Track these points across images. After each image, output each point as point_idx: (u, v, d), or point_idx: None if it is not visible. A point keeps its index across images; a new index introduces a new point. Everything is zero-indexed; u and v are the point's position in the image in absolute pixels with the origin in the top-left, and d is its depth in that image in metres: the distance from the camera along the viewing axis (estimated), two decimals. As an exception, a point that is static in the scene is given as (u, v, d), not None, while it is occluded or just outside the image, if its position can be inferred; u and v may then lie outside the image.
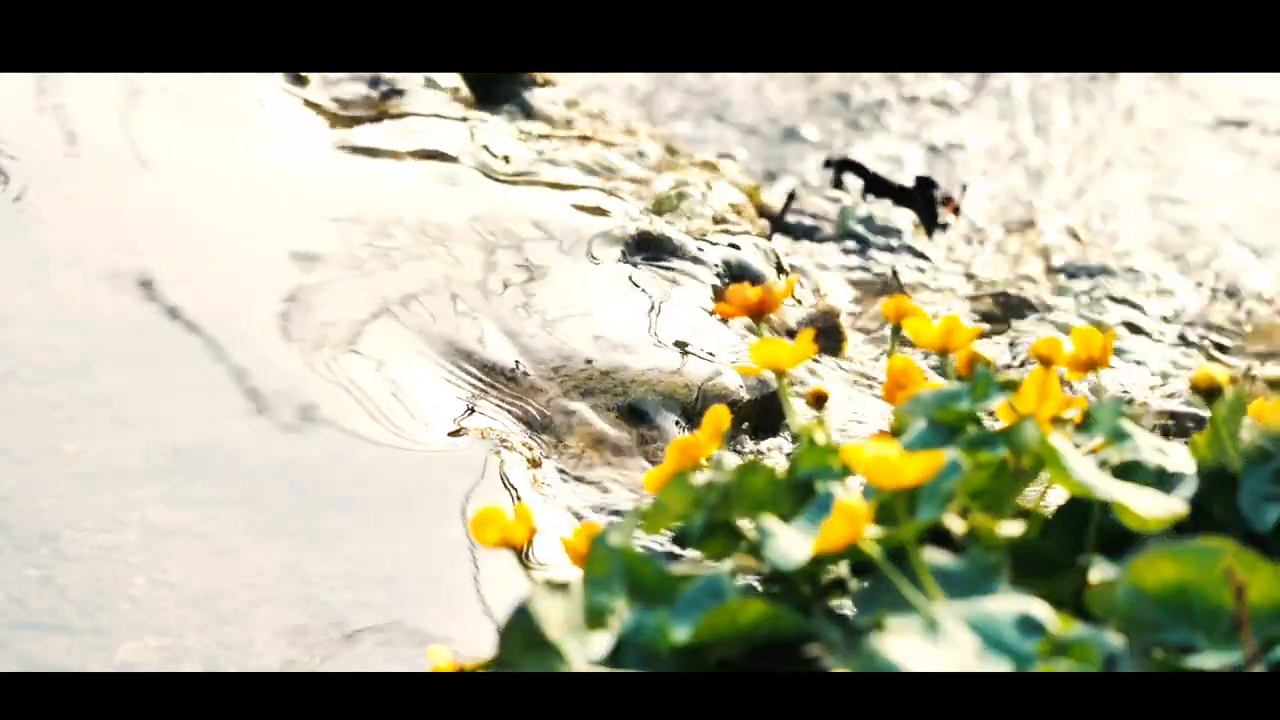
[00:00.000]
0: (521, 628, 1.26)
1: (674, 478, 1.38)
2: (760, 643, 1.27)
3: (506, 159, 2.58)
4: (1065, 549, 1.34)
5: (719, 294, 2.34)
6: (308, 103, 2.65)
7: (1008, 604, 1.20)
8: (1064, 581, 1.32)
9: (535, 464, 2.02)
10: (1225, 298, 2.67)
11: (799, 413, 1.50)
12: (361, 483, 1.94)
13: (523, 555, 1.39)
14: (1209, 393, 1.37)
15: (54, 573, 1.78)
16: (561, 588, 1.29)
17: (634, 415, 2.12)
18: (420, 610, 1.78)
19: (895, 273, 2.62)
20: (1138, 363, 2.46)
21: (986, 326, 2.53)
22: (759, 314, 1.52)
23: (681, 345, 2.22)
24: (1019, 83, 3.40)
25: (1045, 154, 3.21)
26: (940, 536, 1.31)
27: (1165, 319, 2.58)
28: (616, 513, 1.97)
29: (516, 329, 2.20)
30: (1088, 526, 1.34)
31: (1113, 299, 2.63)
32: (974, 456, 1.34)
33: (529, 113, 2.79)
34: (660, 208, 2.57)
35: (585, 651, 1.26)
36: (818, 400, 1.51)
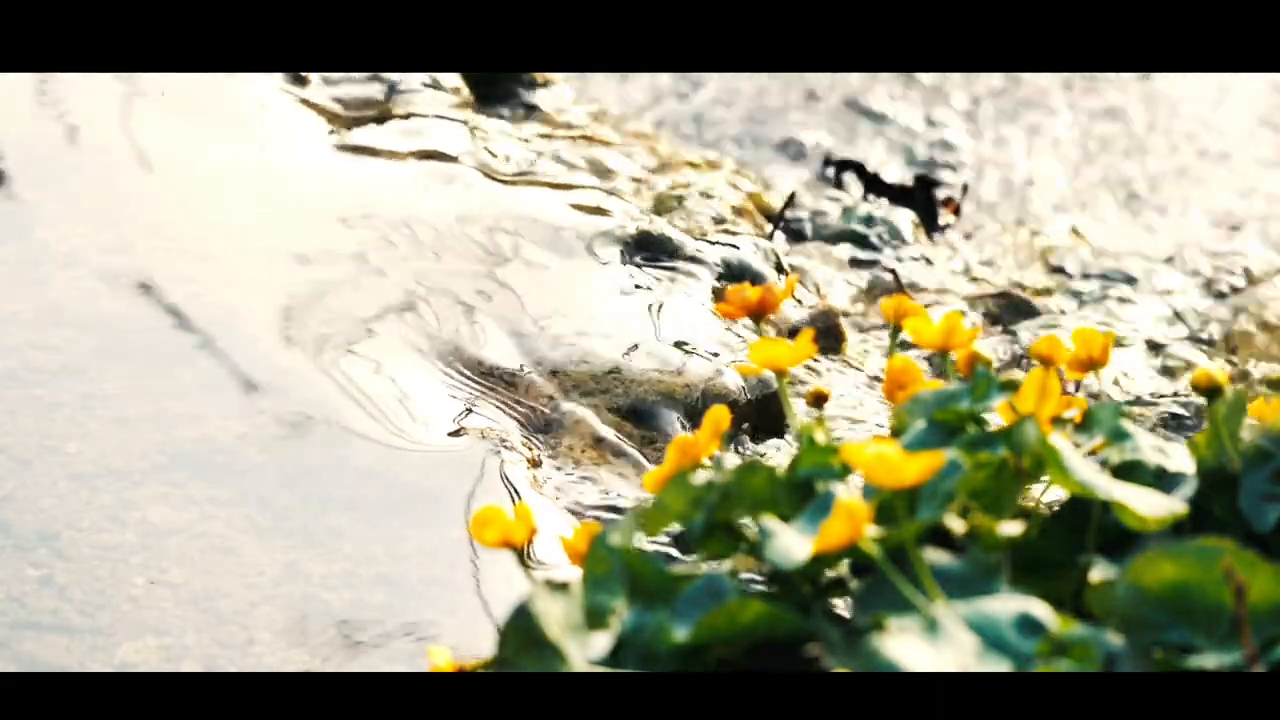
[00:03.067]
0: (521, 628, 1.26)
1: (674, 478, 1.38)
2: (760, 643, 1.27)
3: (507, 159, 2.58)
4: (1065, 549, 1.34)
5: (719, 294, 2.34)
6: (308, 103, 2.65)
7: (1008, 604, 1.20)
8: (1064, 581, 1.32)
9: (535, 464, 2.02)
10: (1225, 298, 2.67)
11: (799, 412, 1.50)
12: (361, 483, 1.94)
13: (523, 555, 1.39)
14: (1209, 392, 1.37)
15: (54, 573, 1.78)
16: (561, 588, 1.29)
17: (634, 415, 2.12)
18: (420, 610, 1.78)
19: (895, 273, 2.62)
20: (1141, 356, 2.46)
21: (987, 326, 2.53)
22: (759, 314, 1.52)
23: (681, 345, 2.22)
24: (1019, 82, 3.40)
25: (1046, 154, 3.21)
26: (940, 536, 1.31)
27: (1165, 319, 2.58)
28: (616, 513, 1.97)
29: (517, 329, 2.20)
30: (1088, 526, 1.34)
31: (1113, 299, 2.63)
32: (974, 456, 1.34)
33: (529, 113, 2.79)
34: (660, 208, 2.57)
35: (585, 651, 1.26)
36: (817, 400, 1.51)
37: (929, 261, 2.69)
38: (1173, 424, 2.27)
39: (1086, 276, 2.72)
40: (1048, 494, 1.41)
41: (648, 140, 2.79)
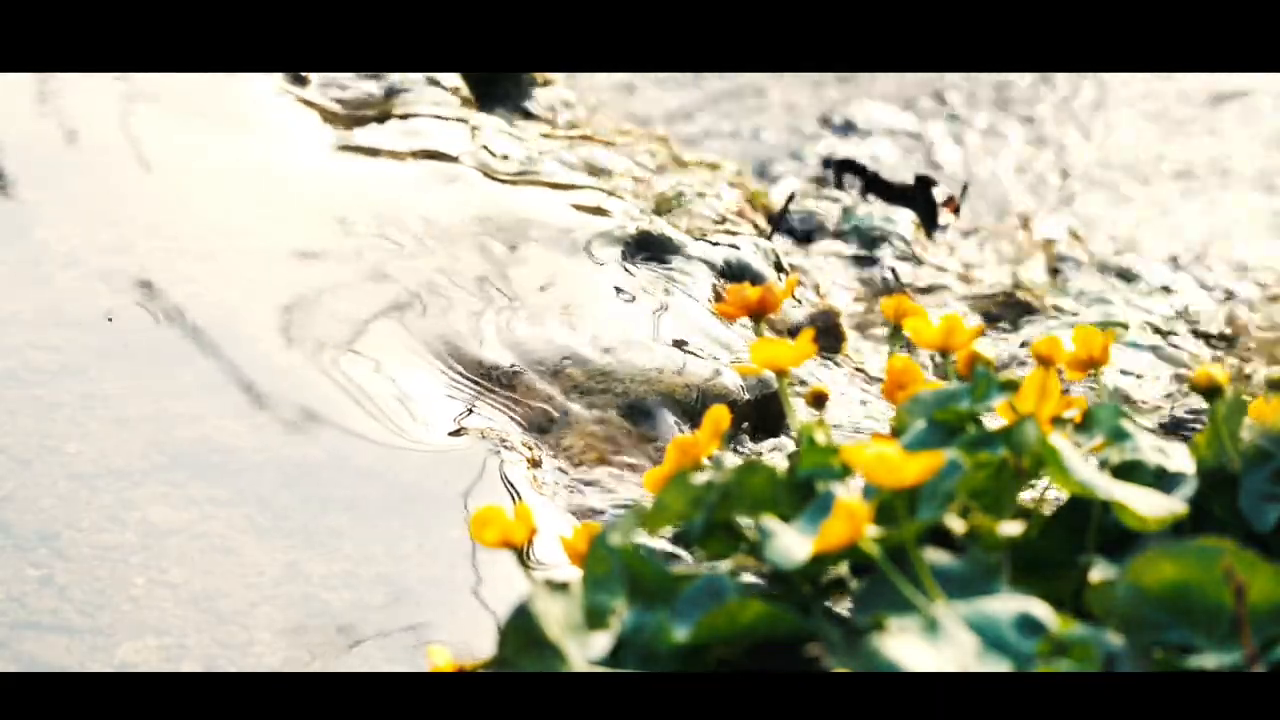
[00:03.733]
0: (521, 627, 1.26)
1: (674, 478, 1.38)
2: (760, 643, 1.27)
3: (506, 158, 2.58)
4: (1065, 549, 1.34)
5: (719, 294, 2.34)
6: (308, 103, 2.65)
7: (1008, 604, 1.20)
8: (1064, 581, 1.32)
9: (535, 464, 2.02)
10: (1226, 297, 2.67)
11: (799, 412, 1.50)
12: (361, 483, 1.94)
13: (523, 555, 1.39)
14: (1209, 392, 1.37)
15: (54, 573, 1.78)
16: (561, 588, 1.29)
17: (634, 415, 2.12)
18: (420, 610, 1.78)
19: (895, 272, 2.62)
20: (1139, 357, 2.46)
21: (987, 326, 2.53)
22: (759, 314, 1.52)
23: (681, 345, 2.22)
24: (1019, 82, 3.40)
25: (1046, 153, 3.21)
26: (940, 536, 1.31)
27: (1165, 319, 2.58)
28: (616, 513, 1.97)
29: (517, 329, 2.20)
30: (1088, 526, 1.34)
31: (1113, 299, 2.63)
32: (974, 456, 1.34)
33: (529, 113, 2.79)
34: (660, 208, 2.57)
35: (585, 651, 1.26)
36: (817, 400, 1.51)
37: (929, 261, 2.69)
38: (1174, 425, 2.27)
39: (1088, 275, 2.72)
40: (1047, 494, 1.41)
41: (648, 140, 2.79)
